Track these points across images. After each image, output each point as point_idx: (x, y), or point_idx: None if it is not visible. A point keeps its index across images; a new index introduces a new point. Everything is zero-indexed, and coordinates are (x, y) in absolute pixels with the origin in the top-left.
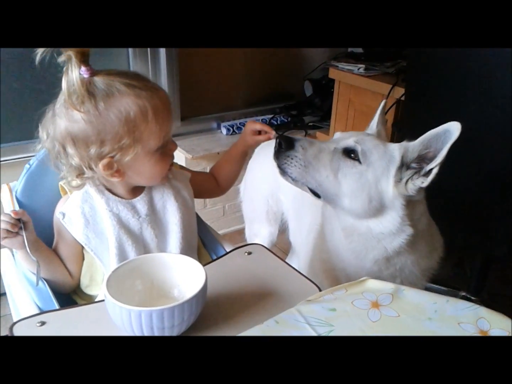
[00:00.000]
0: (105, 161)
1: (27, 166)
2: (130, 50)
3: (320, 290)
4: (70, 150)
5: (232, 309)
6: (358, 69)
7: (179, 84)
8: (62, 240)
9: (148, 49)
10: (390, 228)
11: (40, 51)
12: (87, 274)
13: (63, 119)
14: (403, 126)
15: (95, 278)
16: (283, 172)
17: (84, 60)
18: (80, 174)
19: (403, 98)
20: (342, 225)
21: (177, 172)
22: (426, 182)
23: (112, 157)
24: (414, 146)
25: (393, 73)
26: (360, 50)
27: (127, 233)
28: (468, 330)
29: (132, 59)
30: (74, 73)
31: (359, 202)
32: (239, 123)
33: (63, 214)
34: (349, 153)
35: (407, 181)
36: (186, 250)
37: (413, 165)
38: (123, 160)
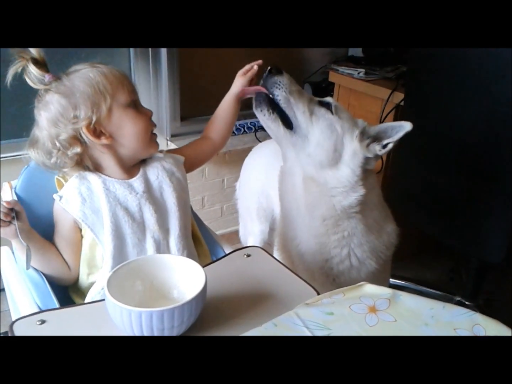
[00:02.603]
0: (85, 123)
1: (25, 166)
2: (131, 50)
3: (318, 294)
4: (54, 130)
5: (231, 311)
6: (358, 73)
7: (180, 84)
8: (60, 229)
9: (149, 49)
10: (344, 184)
11: (11, 72)
12: (84, 263)
13: (41, 115)
14: None
15: (96, 264)
16: (261, 97)
17: (41, 68)
18: (72, 150)
19: (402, 103)
20: (304, 174)
21: (169, 155)
22: (382, 151)
23: (90, 118)
24: (375, 128)
25: (393, 78)
26: (360, 54)
27: (123, 210)
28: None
29: (133, 59)
30: (31, 69)
31: (325, 148)
32: (239, 124)
33: (60, 197)
34: (324, 105)
35: (368, 144)
36: (184, 230)
37: (369, 140)
38: (101, 118)
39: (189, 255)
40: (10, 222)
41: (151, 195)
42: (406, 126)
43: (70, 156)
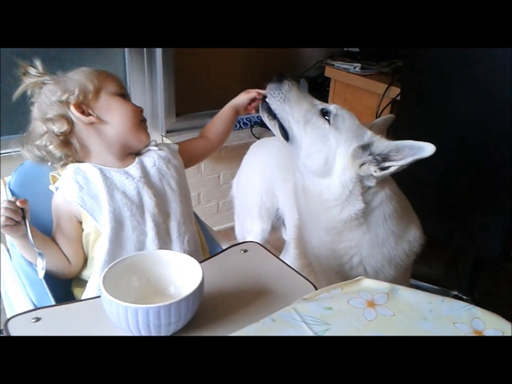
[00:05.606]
0: (73, 102)
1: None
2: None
3: (316, 289)
4: (43, 113)
5: (229, 307)
6: (354, 68)
7: (175, 80)
8: (59, 223)
9: None
10: (335, 197)
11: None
12: (92, 253)
13: (34, 106)
14: (399, 126)
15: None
16: (263, 104)
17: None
18: (59, 129)
19: (398, 98)
20: (303, 183)
21: (163, 144)
22: (378, 173)
23: (77, 98)
24: (388, 144)
25: (389, 73)
26: (356, 49)
27: (121, 193)
28: (463, 330)
29: (128, 55)
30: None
31: (316, 158)
32: None
33: (56, 188)
34: (325, 114)
35: (363, 163)
36: (186, 215)
37: (377, 156)
38: (88, 98)
39: (191, 242)
40: (18, 222)
41: (149, 180)
42: (427, 150)
43: (57, 133)
